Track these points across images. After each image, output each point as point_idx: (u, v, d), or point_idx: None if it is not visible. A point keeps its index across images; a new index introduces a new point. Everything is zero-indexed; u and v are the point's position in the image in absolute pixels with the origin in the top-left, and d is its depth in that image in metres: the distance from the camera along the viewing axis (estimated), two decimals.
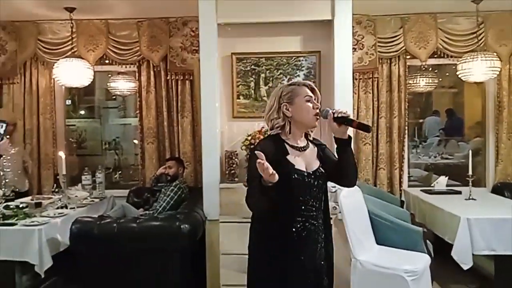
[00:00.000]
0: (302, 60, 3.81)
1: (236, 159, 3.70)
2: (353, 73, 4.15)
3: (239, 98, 3.86)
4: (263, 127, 3.40)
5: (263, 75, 3.84)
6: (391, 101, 4.54)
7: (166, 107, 4.64)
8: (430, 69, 4.82)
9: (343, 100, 3.52)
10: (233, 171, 3.68)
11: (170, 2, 4.07)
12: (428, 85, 4.78)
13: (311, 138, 1.95)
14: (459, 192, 4.08)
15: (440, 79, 5.39)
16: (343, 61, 3.55)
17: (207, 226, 3.50)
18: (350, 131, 1.82)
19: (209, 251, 3.52)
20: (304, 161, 1.86)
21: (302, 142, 1.90)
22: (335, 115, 1.78)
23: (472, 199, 3.79)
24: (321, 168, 1.89)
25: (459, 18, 4.38)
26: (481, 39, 4.35)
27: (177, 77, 4.61)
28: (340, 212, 3.13)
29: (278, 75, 3.82)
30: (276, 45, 3.79)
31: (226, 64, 3.82)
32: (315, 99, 1.88)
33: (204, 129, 3.59)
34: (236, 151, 3.69)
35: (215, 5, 3.54)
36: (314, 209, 1.87)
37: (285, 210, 1.81)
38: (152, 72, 4.66)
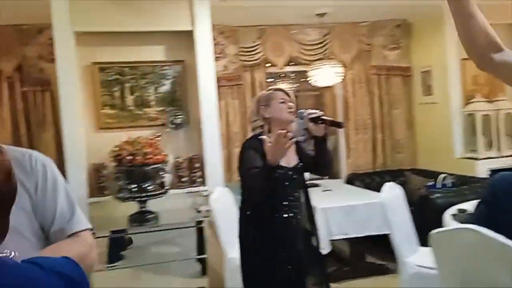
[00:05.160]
0: (167, 69, 3.89)
1: (104, 172, 3.63)
2: (219, 80, 4.39)
3: (104, 109, 3.79)
4: (129, 138, 3.39)
5: (128, 84, 3.82)
6: None
7: (25, 121, 4.30)
8: (294, 75, 5.27)
9: (208, 106, 3.69)
10: (102, 184, 3.60)
11: (20, 9, 3.81)
12: (288, 90, 5.22)
13: None
14: (317, 185, 4.52)
15: (301, 82, 5.90)
16: (206, 70, 3.73)
17: None
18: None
19: None
20: (285, 156, 1.99)
21: None
22: (309, 116, 2.04)
23: (328, 190, 4.27)
24: (300, 163, 2.13)
25: (308, 30, 4.90)
26: (326, 48, 4.92)
27: (34, 88, 4.31)
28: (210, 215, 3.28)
29: (144, 84, 3.85)
30: (140, 54, 3.82)
31: (87, 74, 3.72)
32: (289, 101, 2.11)
33: (67, 142, 3.45)
34: (103, 163, 3.61)
35: (68, 12, 3.42)
36: (296, 200, 2.08)
37: (273, 201, 2.00)
38: (5, 84, 4.28)
